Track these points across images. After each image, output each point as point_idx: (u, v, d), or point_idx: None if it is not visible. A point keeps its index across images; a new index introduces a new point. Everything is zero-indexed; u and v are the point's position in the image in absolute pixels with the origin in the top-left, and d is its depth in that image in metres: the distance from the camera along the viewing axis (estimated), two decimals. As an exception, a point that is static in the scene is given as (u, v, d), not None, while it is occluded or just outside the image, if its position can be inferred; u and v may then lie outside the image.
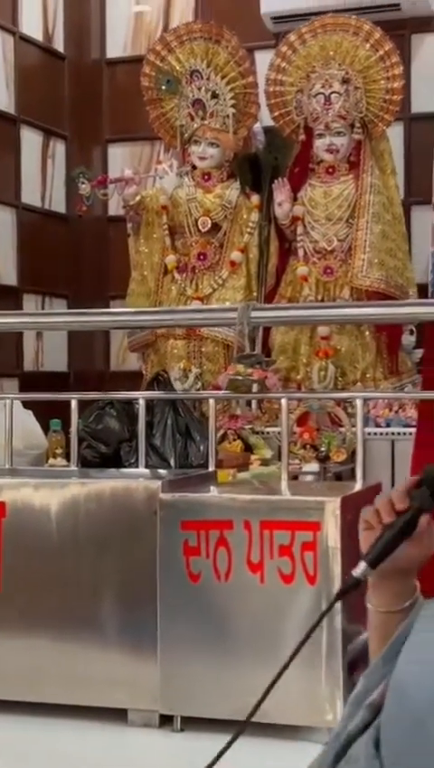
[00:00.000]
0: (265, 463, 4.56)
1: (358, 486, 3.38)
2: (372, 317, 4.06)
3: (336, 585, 2.99)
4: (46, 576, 3.34)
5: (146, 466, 3.66)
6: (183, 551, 3.15)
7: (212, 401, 3.60)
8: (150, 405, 3.78)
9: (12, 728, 3.27)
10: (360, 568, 1.37)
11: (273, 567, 3.06)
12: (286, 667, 1.36)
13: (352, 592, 1.38)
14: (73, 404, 3.69)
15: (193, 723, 3.18)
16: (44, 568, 3.34)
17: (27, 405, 4.30)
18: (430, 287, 3.94)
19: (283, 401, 3.51)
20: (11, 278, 5.80)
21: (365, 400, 3.73)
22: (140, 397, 3.73)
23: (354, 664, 1.54)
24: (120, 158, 6.36)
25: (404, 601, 1.41)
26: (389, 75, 5.16)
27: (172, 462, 3.86)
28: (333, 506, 3.02)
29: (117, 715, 3.25)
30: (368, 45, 5.15)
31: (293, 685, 3.01)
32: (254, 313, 3.47)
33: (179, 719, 3.20)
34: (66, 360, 6.28)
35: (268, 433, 4.85)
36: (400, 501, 1.36)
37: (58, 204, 6.22)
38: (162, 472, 3.70)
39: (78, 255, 6.32)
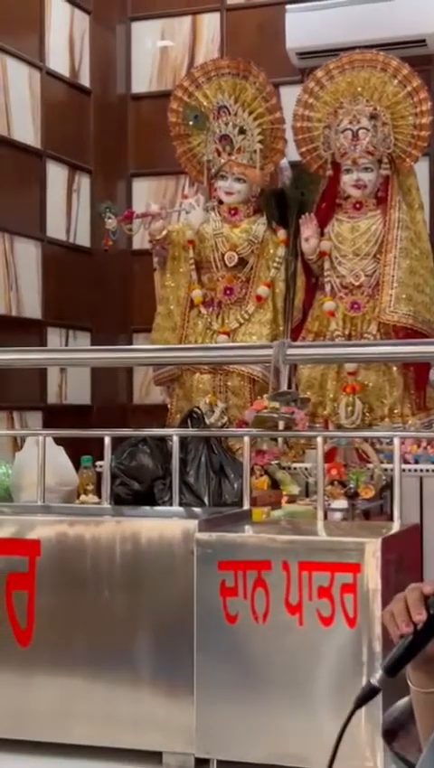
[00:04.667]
0: (292, 499, 4.53)
1: (396, 527, 3.35)
2: (406, 355, 4.04)
3: (377, 627, 2.95)
4: (80, 616, 3.31)
5: (180, 504, 3.63)
6: (221, 592, 3.12)
7: (246, 439, 3.58)
8: (184, 442, 3.76)
9: (44, 771, 3.23)
10: (378, 676, 1.35)
11: (312, 609, 3.03)
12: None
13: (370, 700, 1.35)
14: (107, 441, 3.66)
15: (229, 766, 3.14)
16: (78, 607, 3.32)
17: (56, 440, 4.27)
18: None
19: (319, 440, 3.48)
20: (35, 311, 5.80)
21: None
22: (174, 434, 3.71)
23: (393, 733, 1.50)
24: (145, 192, 6.37)
25: None
26: (417, 111, 5.16)
27: (206, 499, 3.83)
28: (373, 547, 2.99)
29: (152, 757, 3.22)
30: (396, 81, 5.15)
31: (333, 731, 2.96)
32: (289, 351, 3.45)
33: (215, 763, 3.16)
34: (89, 394, 6.26)
35: (294, 468, 4.82)
36: (417, 610, 1.33)
37: (82, 238, 6.23)
38: (197, 510, 3.67)
39: (102, 288, 6.32)
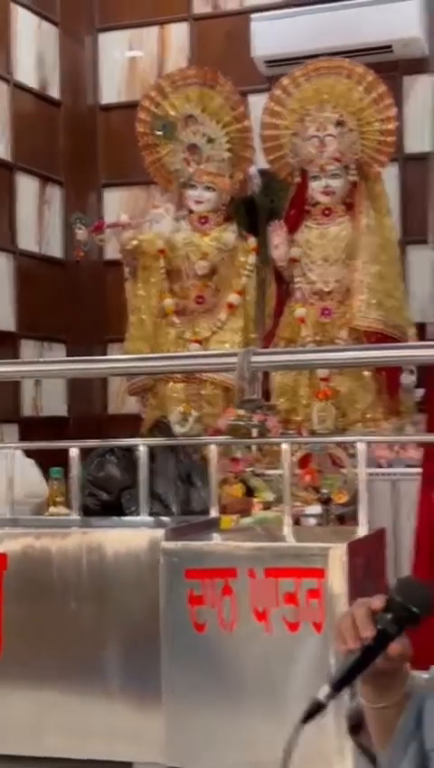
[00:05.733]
0: (267, 506, 4.53)
1: (363, 531, 3.36)
2: (372, 360, 4.05)
3: (343, 632, 2.95)
4: (48, 628, 3.30)
5: (149, 514, 3.63)
6: (188, 600, 3.12)
7: (213, 447, 3.58)
8: (151, 452, 3.76)
9: (15, 784, 3.22)
10: (324, 692, 1.34)
11: (279, 615, 3.03)
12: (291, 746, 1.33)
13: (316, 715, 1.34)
14: (74, 452, 3.66)
15: (199, 775, 3.14)
16: (46, 619, 3.31)
17: (28, 452, 4.27)
18: (432, 327, 3.93)
19: (284, 446, 3.49)
20: (9, 324, 5.80)
21: (368, 443, 3.70)
22: (141, 443, 3.71)
23: (357, 727, 1.50)
24: (116, 203, 6.38)
25: (395, 695, 1.38)
26: (383, 117, 5.18)
27: (174, 509, 3.83)
28: (338, 552, 2.99)
29: (123, 768, 3.21)
30: (362, 88, 5.18)
31: (301, 737, 2.97)
32: (255, 358, 3.46)
33: (186, 772, 3.15)
34: (65, 406, 6.26)
35: (269, 475, 4.82)
36: (364, 626, 1.32)
37: (55, 249, 6.23)
38: (165, 519, 3.67)
39: (75, 299, 6.32)
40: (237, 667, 3.09)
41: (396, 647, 1.32)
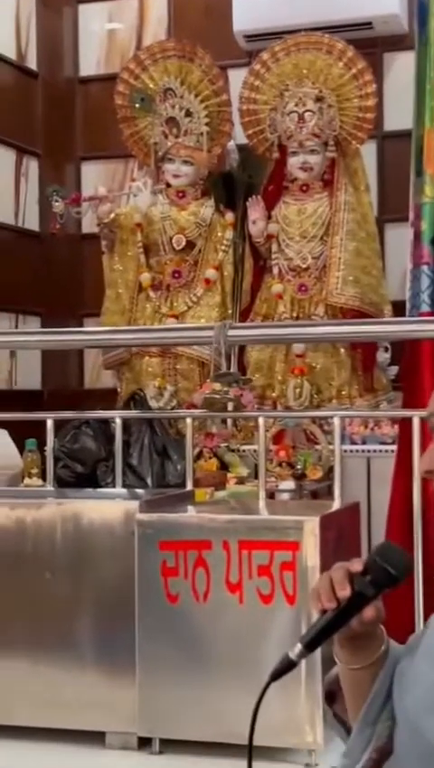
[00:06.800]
0: (241, 480, 4.55)
1: (336, 505, 3.38)
2: (347, 335, 4.07)
3: (316, 604, 2.97)
4: (22, 598, 3.31)
5: (124, 486, 3.64)
6: (162, 572, 3.14)
7: (189, 420, 3.59)
8: (127, 424, 3.77)
9: (-12, 752, 3.23)
10: (296, 650, 1.34)
11: (252, 587, 3.05)
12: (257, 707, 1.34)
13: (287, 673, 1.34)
14: (49, 423, 3.66)
15: (171, 745, 3.17)
16: (21, 590, 3.31)
17: (2, 424, 4.26)
18: (408, 304, 3.95)
19: (260, 420, 3.50)
20: (-16, 296, 5.77)
21: (342, 418, 3.71)
22: (117, 416, 3.71)
23: (333, 695, 1.51)
24: (94, 176, 6.34)
25: (372, 655, 1.39)
26: (362, 93, 5.18)
27: (149, 481, 3.84)
28: (312, 525, 3.01)
29: (95, 737, 3.23)
30: (341, 63, 5.17)
31: (273, 707, 2.99)
32: (231, 332, 3.47)
33: (157, 741, 3.18)
34: (40, 379, 6.24)
35: (243, 450, 4.83)
36: (341, 586, 1.33)
37: (31, 222, 6.19)
38: (139, 491, 3.68)
39: (51, 272, 6.28)
40: (210, 638, 3.12)
41: (370, 610, 1.33)
